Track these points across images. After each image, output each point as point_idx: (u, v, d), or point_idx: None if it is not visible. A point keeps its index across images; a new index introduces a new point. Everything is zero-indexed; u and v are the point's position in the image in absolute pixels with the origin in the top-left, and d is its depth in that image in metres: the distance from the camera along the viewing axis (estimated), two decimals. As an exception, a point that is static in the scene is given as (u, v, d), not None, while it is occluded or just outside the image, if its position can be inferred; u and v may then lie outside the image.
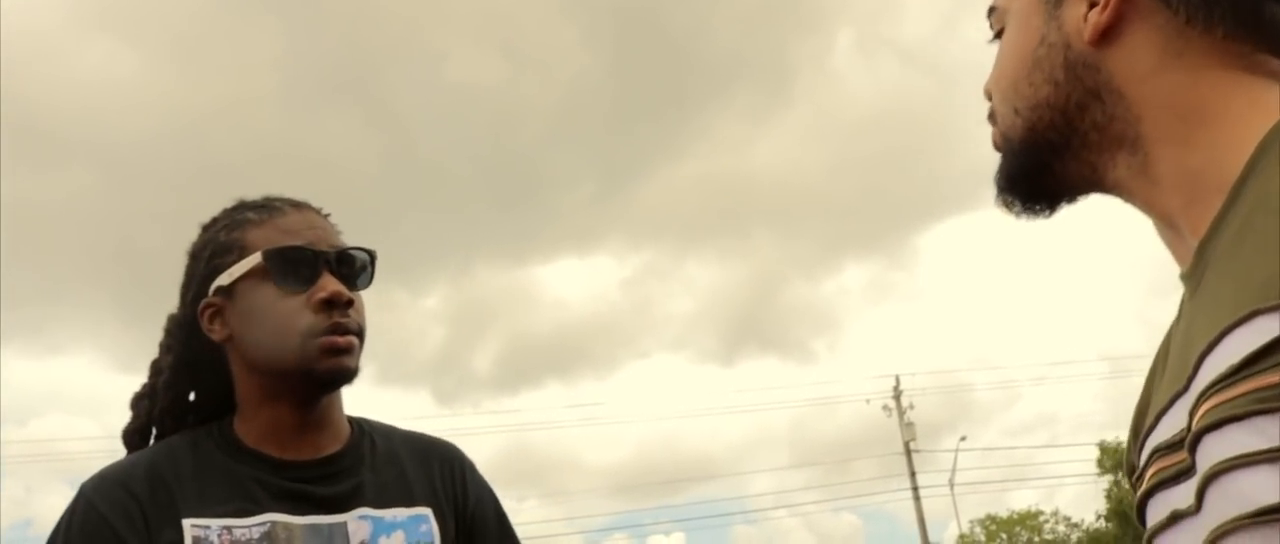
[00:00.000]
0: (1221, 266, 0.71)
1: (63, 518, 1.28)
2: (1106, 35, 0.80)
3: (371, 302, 1.42)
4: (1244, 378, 0.62)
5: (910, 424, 27.53)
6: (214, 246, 1.38)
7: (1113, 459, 27.62)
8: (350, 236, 1.42)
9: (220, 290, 1.35)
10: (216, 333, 1.36)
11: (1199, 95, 0.77)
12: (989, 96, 0.91)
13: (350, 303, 1.34)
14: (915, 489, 26.66)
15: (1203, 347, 0.67)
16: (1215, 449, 0.63)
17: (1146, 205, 0.83)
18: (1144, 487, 0.75)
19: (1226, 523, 0.62)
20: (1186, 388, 0.69)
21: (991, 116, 0.91)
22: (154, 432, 1.43)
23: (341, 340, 1.31)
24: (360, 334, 1.35)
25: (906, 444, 27.18)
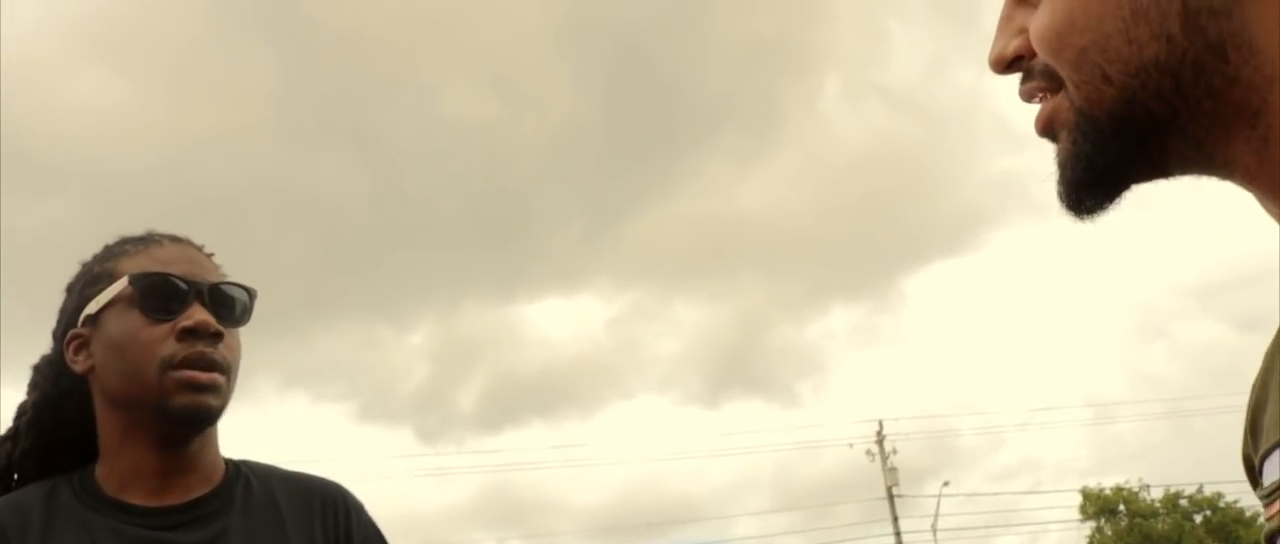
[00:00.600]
0: None
1: None
2: None
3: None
4: None
5: (893, 469, 27.50)
6: (87, 277, 1.34)
7: (1095, 506, 27.64)
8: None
9: (87, 319, 1.31)
10: (79, 364, 1.31)
11: None
12: (1008, 68, 0.69)
13: (218, 335, 1.28)
14: (898, 534, 26.62)
15: None
16: None
17: (1268, 189, 0.64)
18: (1276, 521, 0.66)
19: None
20: None
21: (1044, 83, 0.67)
22: (15, 477, 1.37)
23: (203, 377, 1.26)
24: (227, 372, 1.29)
25: (889, 489, 27.17)
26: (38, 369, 1.39)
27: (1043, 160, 0.70)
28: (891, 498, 27.07)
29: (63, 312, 1.36)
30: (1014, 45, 0.68)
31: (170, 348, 1.26)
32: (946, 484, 29.96)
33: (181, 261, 1.33)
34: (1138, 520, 26.45)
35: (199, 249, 1.38)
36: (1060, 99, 0.66)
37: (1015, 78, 0.70)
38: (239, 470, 1.36)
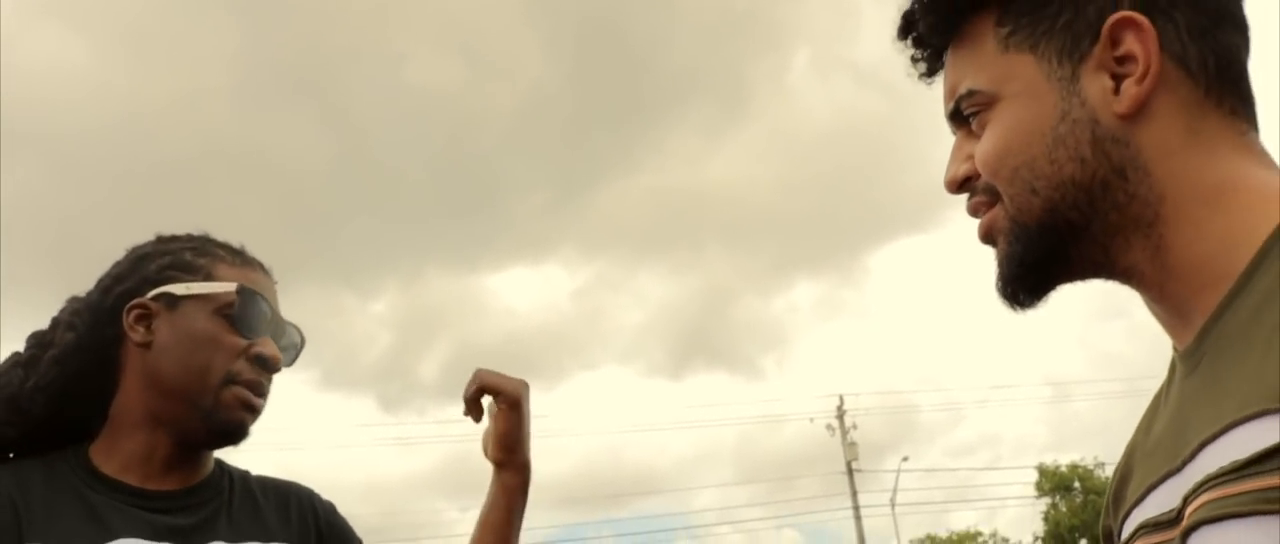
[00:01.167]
0: (1227, 355, 0.71)
1: None
2: (1140, 108, 0.77)
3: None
4: (1250, 476, 0.64)
5: (853, 444, 27.69)
6: (175, 260, 1.35)
7: (1051, 482, 27.98)
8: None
9: (165, 298, 1.32)
10: (136, 334, 1.31)
11: (1218, 176, 0.76)
12: (960, 188, 0.86)
13: (277, 370, 1.36)
14: (856, 508, 26.83)
15: (1206, 435, 0.68)
16: (1214, 541, 0.65)
17: (1158, 294, 0.80)
18: None
19: None
20: (1181, 469, 0.71)
21: (986, 199, 0.84)
22: (23, 409, 1.30)
23: (256, 400, 1.33)
24: (265, 404, 1.36)
25: (848, 464, 27.33)
26: (75, 312, 1.35)
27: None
28: (851, 472, 27.25)
29: (128, 272, 1.35)
30: (964, 168, 0.86)
31: (239, 365, 1.32)
32: (906, 459, 30.49)
33: (268, 293, 1.39)
34: (1092, 497, 26.78)
35: (275, 282, 1.43)
36: (997, 210, 0.83)
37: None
38: (222, 467, 1.41)
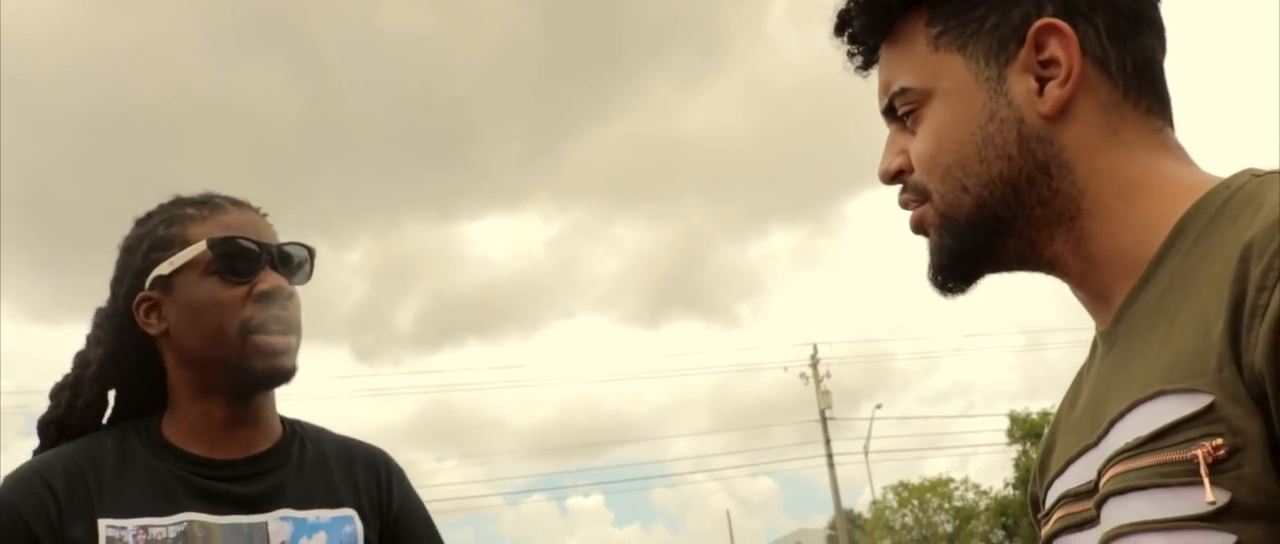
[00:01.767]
0: (1136, 337, 0.77)
1: None
2: (1063, 109, 0.81)
3: None
4: (1149, 451, 0.70)
5: (826, 392, 27.87)
6: (152, 240, 1.37)
7: (1022, 429, 28.32)
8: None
9: (159, 282, 1.35)
10: (153, 327, 1.35)
11: (1135, 171, 0.80)
12: (893, 180, 0.90)
13: (290, 296, 1.35)
14: (830, 456, 27.06)
15: (1115, 412, 0.74)
16: (1120, 512, 0.72)
17: (1080, 282, 0.84)
18: (1051, 526, 0.83)
19: None
20: (1097, 444, 0.76)
21: (915, 196, 0.88)
22: (71, 426, 1.40)
23: (279, 341, 1.32)
24: (298, 331, 1.36)
25: (822, 412, 27.53)
26: (99, 324, 1.42)
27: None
28: (824, 421, 27.45)
29: (124, 271, 1.39)
30: (897, 162, 0.89)
31: (248, 311, 1.32)
32: (879, 407, 30.55)
33: (247, 226, 1.37)
34: (1062, 444, 27.10)
35: (257, 211, 1.42)
36: (927, 208, 0.87)
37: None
38: (294, 430, 1.43)
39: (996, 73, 0.83)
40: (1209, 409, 0.67)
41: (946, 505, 31.79)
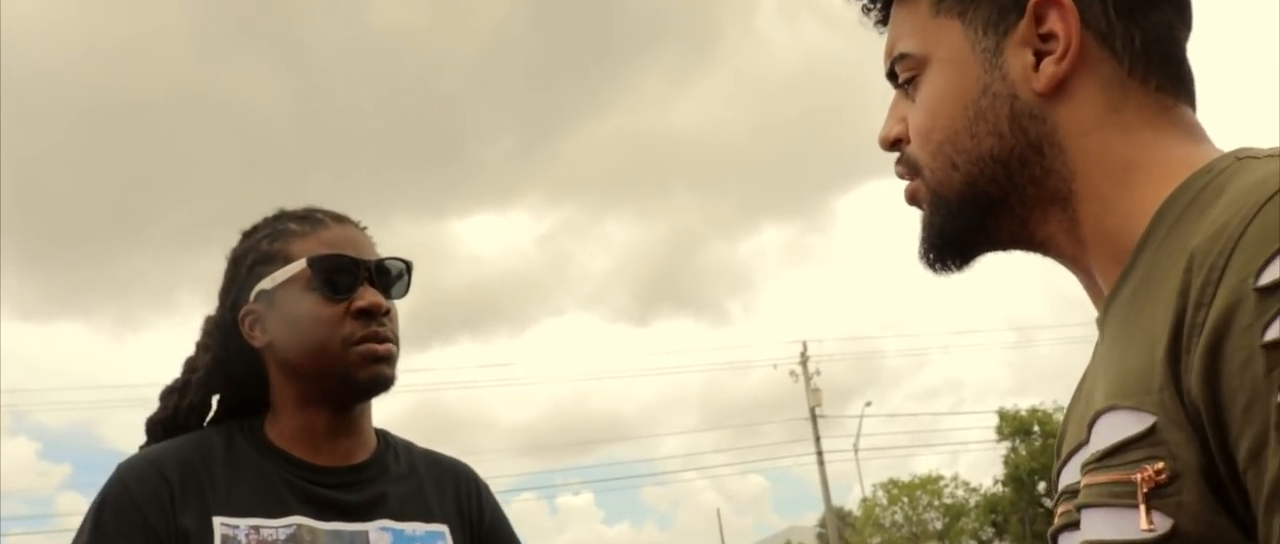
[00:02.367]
0: (1114, 334, 0.74)
1: (99, 496, 1.32)
2: (1059, 86, 0.77)
3: None
4: (1105, 467, 0.68)
5: (816, 390, 27.91)
6: (256, 255, 1.43)
7: (1011, 426, 28.37)
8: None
9: (262, 297, 1.40)
10: (257, 339, 1.40)
11: (1130, 153, 0.77)
12: (892, 146, 0.87)
13: (387, 312, 1.39)
14: (820, 453, 27.07)
15: (1093, 413, 0.71)
16: (1088, 526, 0.70)
17: (1074, 265, 0.82)
18: (1055, 522, 0.81)
19: None
20: (1088, 441, 0.73)
21: (908, 169, 0.85)
22: (176, 427, 1.46)
23: (380, 349, 1.37)
24: (397, 341, 1.40)
25: (812, 409, 27.54)
26: (208, 332, 1.47)
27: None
28: (814, 418, 27.46)
29: (230, 283, 1.45)
30: (897, 130, 0.87)
31: (349, 327, 1.36)
32: (868, 404, 30.59)
33: (346, 242, 1.42)
34: (1051, 441, 27.12)
35: (357, 225, 1.47)
36: (919, 183, 0.84)
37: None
38: (388, 441, 1.48)
39: (994, 44, 0.79)
40: (1151, 431, 0.65)
41: (936, 503, 31.81)
